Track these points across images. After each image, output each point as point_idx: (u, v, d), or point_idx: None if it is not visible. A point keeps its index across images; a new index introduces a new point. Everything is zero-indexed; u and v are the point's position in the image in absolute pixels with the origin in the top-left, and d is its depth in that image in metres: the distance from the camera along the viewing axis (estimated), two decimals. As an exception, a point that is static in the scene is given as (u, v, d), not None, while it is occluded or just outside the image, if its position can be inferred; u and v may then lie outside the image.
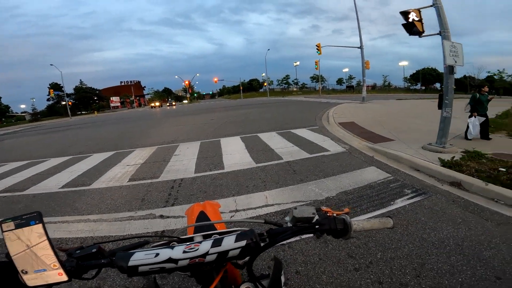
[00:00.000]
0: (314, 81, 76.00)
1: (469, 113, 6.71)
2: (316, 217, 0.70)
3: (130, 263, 0.56)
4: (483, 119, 6.46)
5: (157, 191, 4.19)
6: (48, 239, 0.55)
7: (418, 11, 5.58)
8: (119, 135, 11.61)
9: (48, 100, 62.58)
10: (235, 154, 6.01)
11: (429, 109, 12.32)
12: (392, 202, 3.42)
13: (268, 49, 53.25)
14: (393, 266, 2.21)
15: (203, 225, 1.01)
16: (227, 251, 0.60)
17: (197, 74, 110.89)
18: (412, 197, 3.58)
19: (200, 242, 0.61)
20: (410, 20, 5.58)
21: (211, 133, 9.13)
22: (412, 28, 5.61)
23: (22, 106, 69.62)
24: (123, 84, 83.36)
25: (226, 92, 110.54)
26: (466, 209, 3.25)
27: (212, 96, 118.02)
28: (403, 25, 5.74)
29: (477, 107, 6.59)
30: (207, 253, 0.59)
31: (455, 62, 5.27)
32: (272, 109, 17.50)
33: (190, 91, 73.14)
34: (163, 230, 2.97)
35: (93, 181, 5.01)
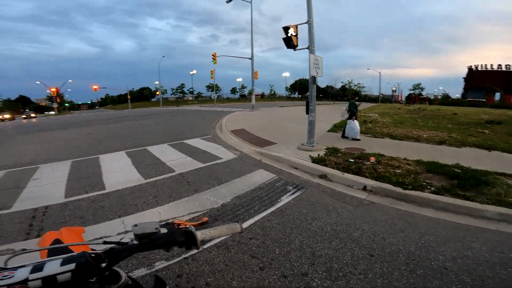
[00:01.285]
0: (209, 90, 77.25)
1: (348, 117, 8.15)
2: (163, 230, 0.70)
3: None
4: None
5: (12, 224, 3.28)
6: None
7: (296, 27, 6.60)
8: None
9: None
10: (118, 172, 5.32)
11: (303, 114, 14.73)
12: (279, 200, 3.86)
13: (163, 56, 50.38)
14: (291, 259, 2.47)
15: (32, 250, 0.86)
16: (53, 276, 0.54)
17: (70, 80, 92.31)
18: (294, 193, 4.15)
19: (15, 269, 0.54)
20: (289, 34, 6.53)
21: (86, 150, 7.70)
22: (290, 42, 6.57)
23: None
24: None
25: (110, 101, 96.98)
26: (333, 197, 4.04)
27: (92, 106, 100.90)
28: (283, 39, 6.65)
29: (354, 111, 8.10)
30: (27, 280, 0.53)
31: (317, 73, 6.52)
32: (165, 119, 16.58)
33: (58, 100, 59.90)
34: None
35: None
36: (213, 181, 4.63)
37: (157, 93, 64.42)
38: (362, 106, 34.32)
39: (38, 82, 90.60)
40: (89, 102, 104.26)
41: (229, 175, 4.96)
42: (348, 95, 9.85)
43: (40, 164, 6.20)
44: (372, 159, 5.53)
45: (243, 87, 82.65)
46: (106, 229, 3.05)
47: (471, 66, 60.99)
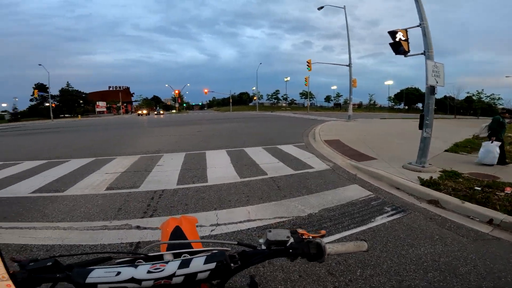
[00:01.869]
0: (303, 97, 77.58)
1: (486, 136, 6.44)
2: (291, 240, 0.69)
3: (88, 280, 0.53)
4: (499, 143, 6.18)
5: (136, 201, 4.05)
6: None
7: (405, 31, 5.87)
8: (101, 141, 11.25)
9: (31, 100, 60.27)
10: (220, 167, 5.94)
11: (410, 129, 12.77)
12: (372, 219, 3.45)
13: (260, 63, 54.23)
14: (372, 284, 2.19)
15: (176, 243, 0.95)
16: (195, 273, 0.56)
17: (188, 84, 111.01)
18: (391, 215, 3.63)
19: (166, 262, 0.57)
20: (397, 39, 5.84)
21: (197, 145, 9.03)
22: (399, 48, 5.86)
23: (4, 104, 66.56)
24: (111, 89, 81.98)
25: (216, 104, 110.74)
26: (443, 226, 3.33)
27: (201, 107, 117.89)
28: (390, 44, 6.00)
29: (500, 131, 6.35)
30: (173, 275, 0.55)
31: (437, 82, 5.52)
32: (260, 123, 17.65)
33: (179, 100, 72.83)
34: (139, 242, 2.85)
35: (67, 187, 4.79)
36: (302, 190, 4.55)
37: (254, 98, 69.30)
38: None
39: (167, 85, 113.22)
40: (200, 104, 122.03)
41: (320, 186, 4.76)
42: (499, 110, 7.03)
43: (164, 153, 7.64)
44: (509, 189, 4.23)
45: (338, 95, 79.02)
46: (202, 219, 3.36)
47: None
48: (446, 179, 4.93)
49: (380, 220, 3.44)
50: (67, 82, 68.57)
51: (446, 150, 8.14)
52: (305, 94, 71.23)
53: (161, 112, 59.42)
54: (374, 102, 75.16)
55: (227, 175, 5.37)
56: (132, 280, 0.54)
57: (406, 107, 68.77)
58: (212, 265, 0.58)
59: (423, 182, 4.72)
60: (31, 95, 56.39)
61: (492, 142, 6.11)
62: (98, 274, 0.54)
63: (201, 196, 4.23)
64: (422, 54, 5.72)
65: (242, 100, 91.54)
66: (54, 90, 62.80)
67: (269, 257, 0.66)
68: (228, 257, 0.61)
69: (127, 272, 0.54)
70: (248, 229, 3.17)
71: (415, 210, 3.82)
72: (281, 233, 0.68)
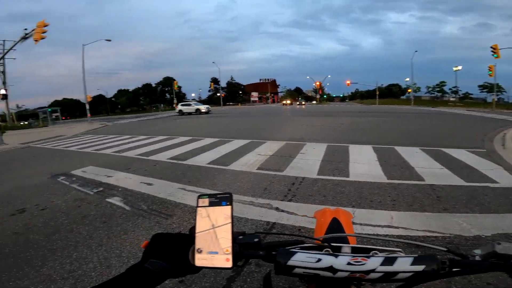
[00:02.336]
0: (484, 90, 58.05)
1: None
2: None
3: (289, 262, 0.56)
4: None
5: (279, 184, 4.43)
6: (232, 222, 0.54)
7: None
8: (255, 125, 13.21)
9: (209, 91, 79.86)
10: (363, 164, 5.50)
11: None
12: None
13: (416, 51, 44.29)
14: None
15: (338, 236, 0.93)
16: (396, 273, 0.52)
17: (328, 76, 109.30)
18: None
19: (368, 257, 0.55)
20: None
21: (339, 138, 8.78)
22: None
23: (192, 94, 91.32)
24: (261, 81, 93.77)
25: (359, 96, 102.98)
26: None
27: (342, 99, 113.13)
28: None
29: None
30: (373, 270, 0.53)
31: None
32: (417, 120, 14.81)
33: (320, 92, 73.25)
34: (274, 222, 3.10)
35: (230, 163, 5.91)
36: (473, 206, 3.46)
37: (408, 90, 58.59)
38: None
39: (308, 77, 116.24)
40: (341, 96, 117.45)
41: (503, 206, 3.44)
42: None
43: (306, 142, 7.96)
44: None
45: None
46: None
47: None
48: None
49: None
50: (231, 76, 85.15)
51: None
52: (487, 87, 52.94)
53: (303, 102, 62.15)
54: None
55: (372, 173, 4.89)
56: (330, 269, 0.54)
57: None
58: (420, 268, 0.52)
59: None
60: (209, 87, 74.05)
61: None
62: (300, 258, 0.56)
63: (340, 190, 4.08)
64: None
65: (391, 93, 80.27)
66: (222, 83, 79.54)
67: (487, 271, 0.53)
68: (440, 262, 0.54)
69: (328, 260, 0.55)
70: (387, 235, 2.79)
71: None
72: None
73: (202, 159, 6.35)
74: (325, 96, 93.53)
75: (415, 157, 5.95)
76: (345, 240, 0.95)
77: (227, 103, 73.34)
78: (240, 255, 0.57)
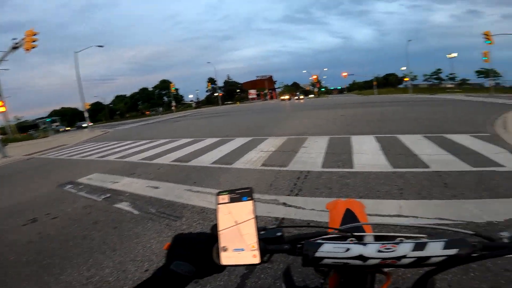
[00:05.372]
0: (480, 76, 57.69)
1: None
2: None
3: (317, 254, 0.56)
4: None
5: (284, 179, 4.43)
6: (255, 217, 0.53)
7: None
8: (255, 123, 13.21)
9: (207, 91, 79.75)
10: (367, 154, 5.51)
11: None
12: None
13: (409, 40, 44.13)
14: None
15: (358, 226, 0.94)
16: (428, 257, 0.53)
17: (325, 69, 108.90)
18: None
19: (397, 244, 0.55)
20: None
21: (341, 129, 8.78)
22: None
23: (190, 96, 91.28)
24: (258, 78, 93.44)
25: (357, 87, 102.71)
26: None
27: (340, 91, 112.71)
28: None
29: None
30: (404, 256, 0.53)
31: None
32: (417, 108, 14.75)
33: (318, 85, 73.10)
34: (283, 218, 3.10)
35: (234, 161, 5.93)
36: (482, 191, 3.45)
37: (405, 79, 58.30)
38: None
39: (304, 71, 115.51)
40: (339, 88, 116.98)
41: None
42: None
43: (308, 136, 7.96)
44: None
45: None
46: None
47: None
48: None
49: None
50: (227, 75, 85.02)
51: None
52: (483, 72, 52.62)
53: (301, 97, 61.94)
54: None
55: (376, 162, 4.89)
56: (360, 257, 0.54)
57: None
58: (452, 251, 0.52)
59: None
60: (206, 88, 73.96)
61: None
62: (327, 248, 0.56)
63: (345, 182, 4.08)
64: None
65: (388, 82, 79.98)
66: (220, 82, 79.51)
67: None
68: (472, 246, 0.54)
69: (356, 249, 0.55)
70: (397, 225, 2.76)
71: None
72: None
73: (206, 160, 6.37)
74: (323, 89, 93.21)
75: (418, 144, 5.95)
76: (363, 230, 0.96)
77: (226, 103, 73.34)
78: (265, 250, 0.55)
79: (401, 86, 72.44)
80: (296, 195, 3.75)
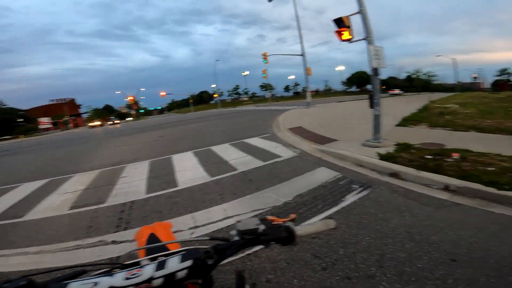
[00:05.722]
0: (263, 89, 78.58)
1: None
2: (263, 227, 0.70)
3: None
4: None
5: (105, 217, 3.85)
6: None
7: (347, 18, 6.21)
8: (53, 160, 10.24)
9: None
10: (188, 170, 5.82)
11: (364, 109, 13.70)
12: (343, 199, 3.66)
13: (217, 60, 52.87)
14: (357, 260, 2.33)
15: (151, 247, 0.94)
16: (173, 273, 0.56)
17: (142, 89, 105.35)
18: (360, 192, 3.89)
19: (142, 267, 0.57)
20: (341, 27, 6.17)
21: (160, 151, 8.68)
22: (343, 35, 6.21)
23: None
24: (54, 102, 74.64)
25: (176, 106, 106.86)
26: (407, 197, 3.64)
27: (161, 111, 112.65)
28: (336, 32, 6.31)
29: None
30: (152, 278, 0.55)
31: (379, 64, 5.99)
32: (224, 120, 17.50)
33: (135, 107, 68.91)
34: (118, 256, 2.75)
35: (25, 212, 4.37)
36: (274, 179, 4.66)
37: (215, 95, 68.31)
38: (436, 96, 30.18)
39: (118, 92, 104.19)
40: (159, 108, 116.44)
41: (290, 173, 4.93)
42: None
43: (126, 164, 7.22)
44: (456, 155, 4.81)
45: (296, 84, 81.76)
46: (180, 224, 3.32)
47: None
48: (401, 151, 5.42)
49: (350, 199, 3.66)
50: (-1, 100, 60.79)
51: (397, 125, 8.93)
52: (265, 86, 72.14)
53: (116, 121, 55.72)
54: (330, 87, 79.15)
55: (197, 176, 5.29)
56: None
57: (359, 89, 73.45)
58: (189, 263, 0.58)
59: (382, 157, 5.13)
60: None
61: None
62: (75, 287, 0.53)
63: (174, 202, 4.13)
64: (364, 39, 6.14)
65: (203, 99, 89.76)
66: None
67: (243, 247, 0.67)
68: (204, 253, 0.61)
69: (105, 282, 0.53)
70: (228, 226, 3.18)
71: (380, 185, 4.14)
72: (250, 222, 0.70)
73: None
74: (142, 111, 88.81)
75: (227, 152, 7.06)
76: (165, 250, 0.96)
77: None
78: None
79: (212, 102, 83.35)
80: (125, 229, 3.37)
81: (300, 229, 0.71)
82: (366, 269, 2.21)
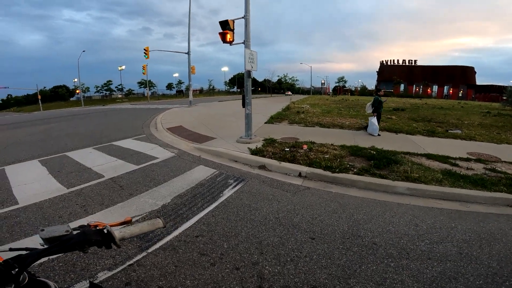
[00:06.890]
0: (142, 86, 71.24)
1: (371, 112, 8.05)
2: (75, 232, 0.69)
3: None
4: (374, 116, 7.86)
5: None
6: None
7: (233, 21, 6.54)
8: None
9: None
10: (32, 183, 4.56)
11: (241, 107, 14.94)
12: (221, 194, 3.88)
13: (84, 51, 42.83)
14: (241, 251, 2.51)
15: None
16: None
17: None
18: (235, 186, 4.22)
19: None
20: (226, 29, 6.43)
21: (-15, 162, 6.35)
22: (226, 37, 6.50)
23: None
24: None
25: (15, 103, 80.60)
26: (272, 186, 4.24)
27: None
28: (220, 33, 6.52)
29: (379, 107, 7.91)
30: None
31: (252, 67, 6.67)
32: (88, 120, 14.68)
33: None
34: None
35: None
36: (149, 183, 4.38)
37: (77, 91, 56.19)
38: (296, 97, 36.70)
39: None
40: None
41: (167, 174, 4.76)
42: (375, 91, 9.24)
43: None
44: (305, 147, 6.02)
45: (180, 82, 79.10)
46: (28, 245, 2.60)
47: (382, 61, 70.26)
48: (267, 146, 6.26)
49: (227, 193, 3.91)
50: None
51: (266, 122, 10.25)
52: (144, 83, 65.61)
53: None
54: (213, 87, 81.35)
55: (47, 189, 4.24)
56: None
57: (239, 89, 79.16)
58: None
59: (252, 152, 5.77)
60: None
61: (374, 117, 7.83)
62: None
63: (15, 222, 3.19)
64: (242, 43, 6.67)
65: (58, 95, 71.77)
66: None
67: (45, 254, 0.64)
68: (3, 264, 0.59)
69: None
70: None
71: (251, 177, 4.62)
72: (57, 229, 0.68)
73: None
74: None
75: (90, 157, 5.99)
76: None
77: None
78: None
79: (73, 98, 68.32)
80: None
81: (121, 232, 0.72)
82: (250, 257, 2.44)
